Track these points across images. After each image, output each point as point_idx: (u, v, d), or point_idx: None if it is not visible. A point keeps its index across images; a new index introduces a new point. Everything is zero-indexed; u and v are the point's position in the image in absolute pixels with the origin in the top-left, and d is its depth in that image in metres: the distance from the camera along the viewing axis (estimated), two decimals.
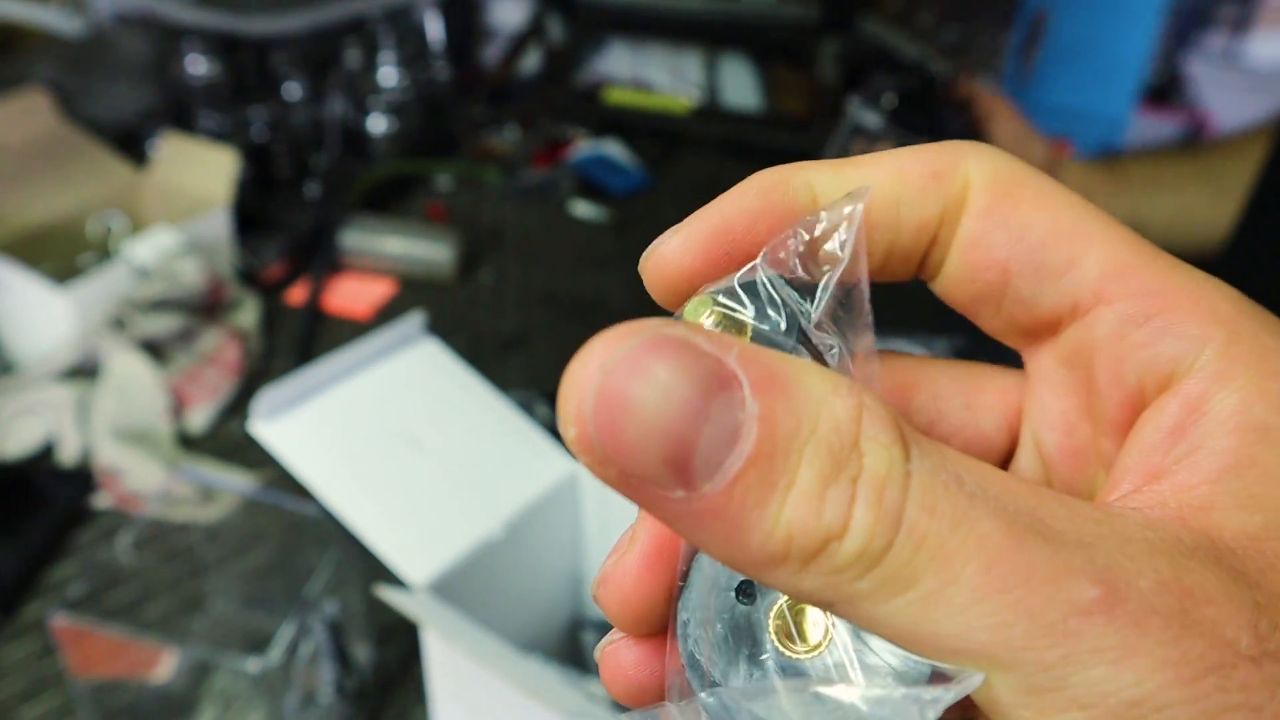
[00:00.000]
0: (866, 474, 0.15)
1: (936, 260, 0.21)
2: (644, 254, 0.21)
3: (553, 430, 0.83)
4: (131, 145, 1.11)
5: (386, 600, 0.53)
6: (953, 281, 0.21)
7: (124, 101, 1.17)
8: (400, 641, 0.68)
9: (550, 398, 0.87)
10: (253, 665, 0.57)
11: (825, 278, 0.19)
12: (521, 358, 0.98)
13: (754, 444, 0.15)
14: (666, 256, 0.21)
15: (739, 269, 0.20)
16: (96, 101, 1.13)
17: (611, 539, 0.70)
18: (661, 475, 0.15)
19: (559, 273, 1.11)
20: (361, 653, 0.66)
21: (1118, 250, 0.19)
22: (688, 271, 0.20)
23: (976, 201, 0.20)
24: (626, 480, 0.15)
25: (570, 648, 0.69)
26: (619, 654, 0.21)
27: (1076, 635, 0.15)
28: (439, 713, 0.60)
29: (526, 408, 0.84)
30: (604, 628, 0.67)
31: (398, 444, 0.60)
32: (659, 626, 0.21)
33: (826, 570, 0.15)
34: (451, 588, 0.57)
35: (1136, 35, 1.28)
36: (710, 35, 1.45)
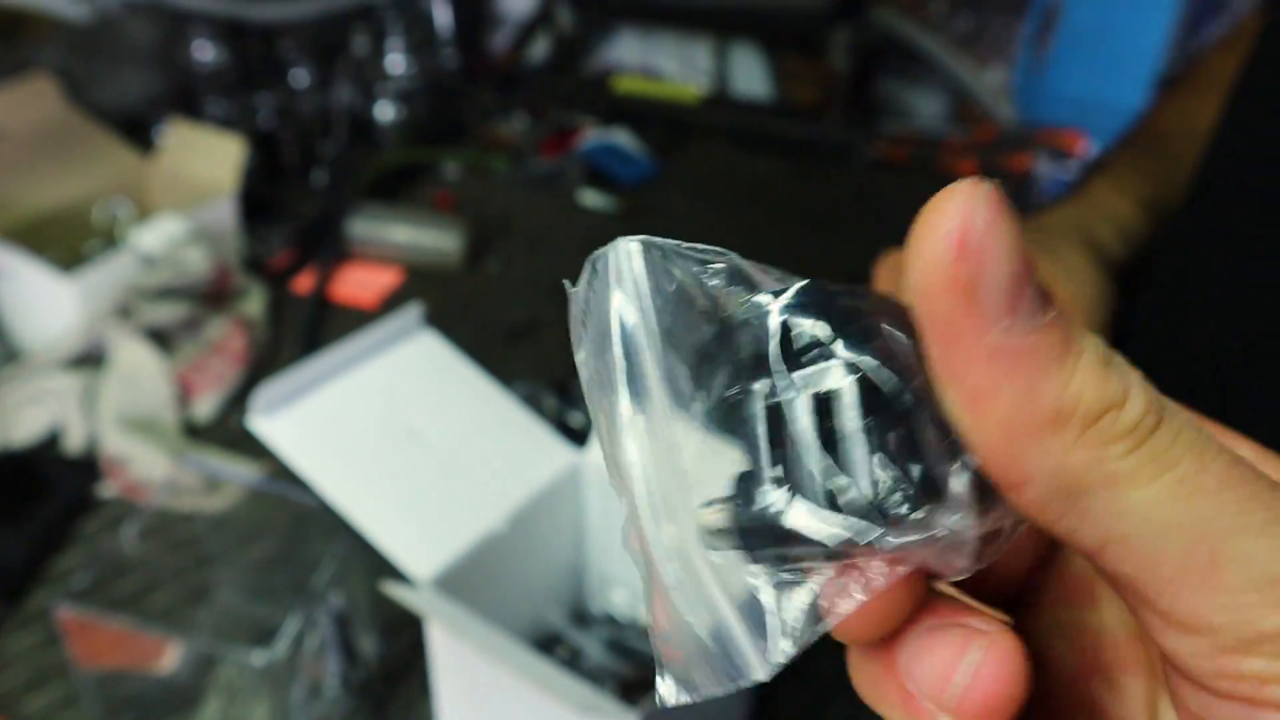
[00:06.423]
0: (1130, 370, 0.18)
1: None
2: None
3: (559, 422, 0.83)
4: (138, 132, 1.11)
5: (392, 596, 0.52)
6: None
7: (131, 88, 1.16)
8: (406, 634, 0.68)
9: (558, 388, 0.87)
10: (258, 657, 0.56)
11: None
12: (528, 348, 0.98)
13: (1054, 312, 0.18)
14: None
15: None
16: (103, 87, 1.13)
17: (614, 532, 0.70)
18: (1001, 292, 0.17)
19: (567, 263, 1.11)
20: (367, 645, 0.66)
21: None
22: None
23: None
24: (965, 294, 0.17)
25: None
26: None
27: None
28: (444, 706, 0.59)
29: (533, 399, 0.83)
30: (609, 622, 0.67)
31: (398, 438, 0.60)
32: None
33: (1101, 440, 0.17)
34: (456, 582, 0.56)
35: (1151, 25, 1.26)
36: (720, 23, 1.44)
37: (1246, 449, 0.22)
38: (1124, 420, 0.17)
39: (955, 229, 0.17)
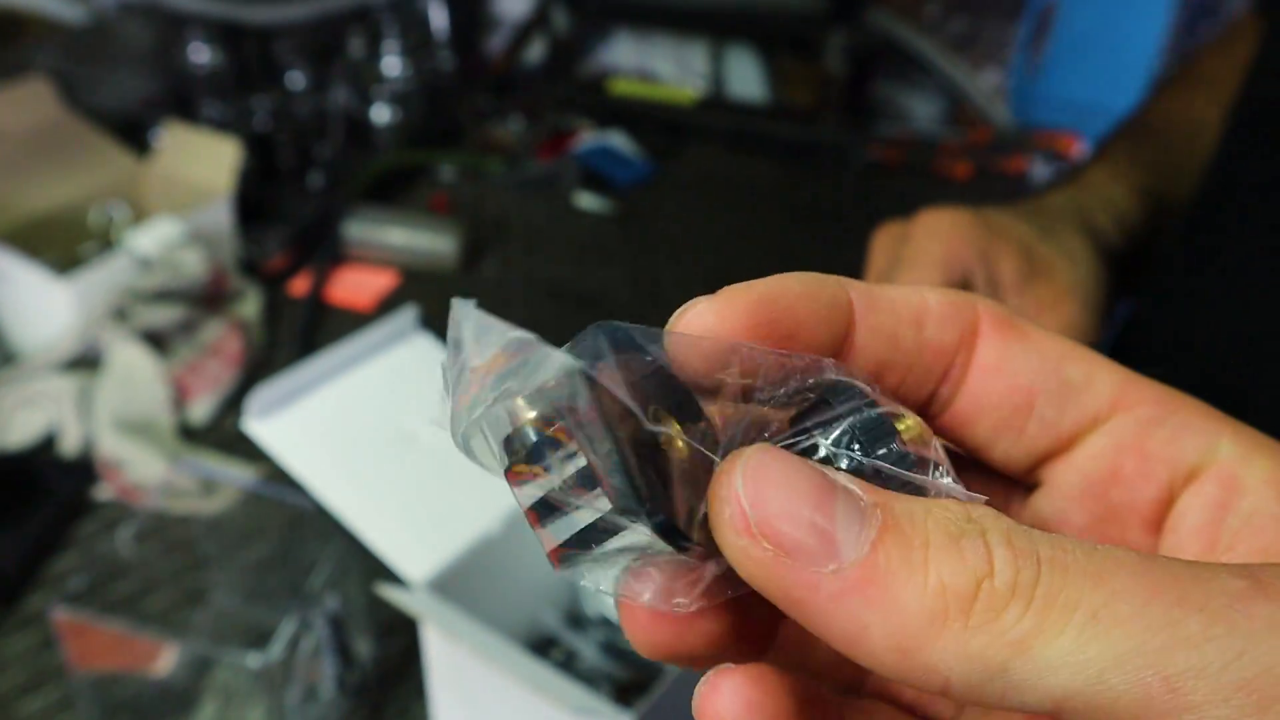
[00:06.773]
0: (989, 529, 0.17)
1: (946, 395, 0.22)
2: (675, 315, 0.21)
3: None
4: (134, 134, 1.10)
5: (388, 598, 0.52)
6: (970, 414, 0.22)
7: (126, 90, 1.16)
8: (401, 636, 0.68)
9: None
10: (253, 660, 0.56)
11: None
12: None
13: (880, 519, 0.17)
14: (705, 317, 0.21)
15: (774, 341, 0.21)
16: (99, 90, 1.13)
17: None
18: (811, 544, 0.17)
19: (563, 265, 1.11)
20: (363, 648, 0.66)
21: (1114, 366, 0.21)
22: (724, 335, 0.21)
23: (989, 331, 0.22)
24: (779, 560, 0.17)
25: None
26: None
27: (1249, 616, 0.16)
28: (439, 708, 0.59)
29: None
30: (604, 624, 0.67)
31: (393, 440, 0.60)
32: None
33: (988, 617, 0.16)
34: (451, 584, 0.56)
35: (1147, 27, 1.27)
36: (716, 26, 1.44)
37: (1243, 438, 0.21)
38: (1000, 585, 0.16)
39: (736, 514, 0.17)
